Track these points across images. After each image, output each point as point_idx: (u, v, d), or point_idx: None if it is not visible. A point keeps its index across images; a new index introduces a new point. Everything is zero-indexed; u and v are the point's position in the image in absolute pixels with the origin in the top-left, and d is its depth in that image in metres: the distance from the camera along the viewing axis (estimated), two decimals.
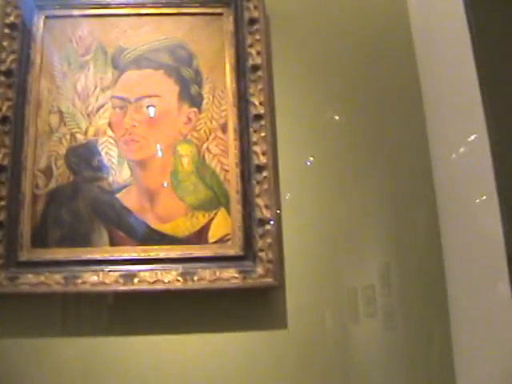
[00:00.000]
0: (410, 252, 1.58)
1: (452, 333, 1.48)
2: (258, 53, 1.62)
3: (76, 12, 1.68)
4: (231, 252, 1.53)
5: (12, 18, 1.64)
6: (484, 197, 1.39)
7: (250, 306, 1.53)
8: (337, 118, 1.65)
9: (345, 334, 1.56)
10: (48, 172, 1.57)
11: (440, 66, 1.62)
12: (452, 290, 1.50)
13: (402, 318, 1.55)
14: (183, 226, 1.53)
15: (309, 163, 1.59)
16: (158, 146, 1.57)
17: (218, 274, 1.49)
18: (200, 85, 1.62)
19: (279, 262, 1.51)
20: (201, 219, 1.53)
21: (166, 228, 1.54)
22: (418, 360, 1.49)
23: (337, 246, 1.58)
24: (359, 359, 1.53)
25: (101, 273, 1.50)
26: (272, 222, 1.49)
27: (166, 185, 1.53)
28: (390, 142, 1.64)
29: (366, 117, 1.65)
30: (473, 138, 1.43)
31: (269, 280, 1.49)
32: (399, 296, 1.55)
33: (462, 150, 1.48)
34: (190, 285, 1.48)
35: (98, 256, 1.52)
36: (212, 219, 1.54)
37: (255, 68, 1.62)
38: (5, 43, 1.62)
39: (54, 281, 1.49)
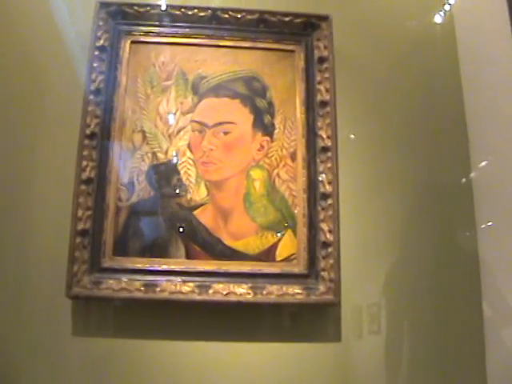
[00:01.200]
0: (450, 272, 1.75)
1: None
2: (327, 90, 1.78)
3: (160, 39, 1.82)
4: (296, 270, 1.69)
5: (102, 42, 1.77)
6: None
7: (310, 320, 1.69)
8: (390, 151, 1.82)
9: (391, 349, 1.71)
10: (130, 186, 1.71)
11: (488, 108, 1.80)
12: None
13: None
14: (254, 244, 1.69)
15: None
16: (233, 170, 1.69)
17: (284, 289, 1.64)
18: (272, 115, 1.78)
19: (338, 281, 1.65)
20: (270, 239, 1.70)
21: (237, 245, 1.69)
22: None
23: (389, 268, 1.74)
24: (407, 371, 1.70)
25: (178, 283, 1.62)
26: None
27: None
28: (437, 177, 1.82)
29: (419, 151, 1.84)
30: None
31: (329, 297, 1.65)
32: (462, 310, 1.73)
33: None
34: (259, 298, 1.63)
35: (175, 267, 1.66)
36: (280, 239, 1.70)
37: (323, 104, 1.77)
38: (95, 64, 1.75)
39: (134, 287, 1.62)
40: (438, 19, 1.99)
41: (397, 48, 1.94)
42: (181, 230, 1.67)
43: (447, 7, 1.98)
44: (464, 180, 1.84)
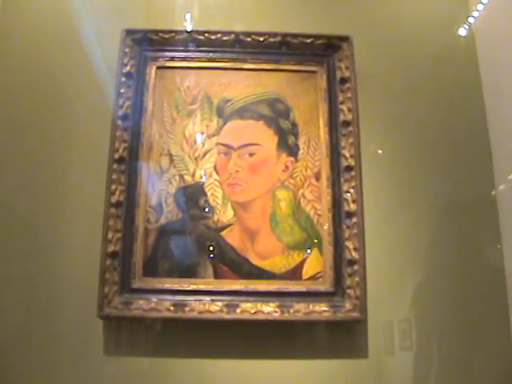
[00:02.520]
0: (476, 287, 1.77)
1: None
2: (349, 110, 1.80)
3: (184, 64, 1.87)
4: (322, 288, 1.71)
5: (128, 68, 1.82)
6: None
7: (337, 337, 1.71)
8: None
9: (419, 364, 1.72)
10: (159, 209, 1.75)
11: (511, 122, 1.82)
12: None
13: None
14: (280, 263, 1.72)
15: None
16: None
17: (311, 307, 1.67)
18: (296, 136, 1.81)
19: (364, 298, 1.67)
20: (296, 258, 1.72)
21: (264, 264, 1.72)
22: None
23: (415, 284, 1.77)
24: None
25: (206, 302, 1.65)
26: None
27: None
28: (462, 192, 1.84)
29: (442, 166, 1.87)
30: None
31: (356, 315, 1.67)
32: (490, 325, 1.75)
33: None
34: (286, 316, 1.66)
35: (203, 287, 1.69)
36: (306, 258, 1.73)
37: (346, 123, 1.80)
38: (122, 90, 1.79)
39: (164, 307, 1.66)
40: (458, 34, 2.00)
41: (417, 65, 1.96)
42: (209, 250, 1.67)
43: (467, 25, 1.98)
44: (488, 194, 1.84)
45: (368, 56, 1.91)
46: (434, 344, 1.73)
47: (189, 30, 1.86)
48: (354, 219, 1.71)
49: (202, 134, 1.79)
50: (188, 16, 1.91)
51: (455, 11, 2.04)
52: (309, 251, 1.72)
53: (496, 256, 1.79)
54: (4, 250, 1.73)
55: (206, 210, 1.70)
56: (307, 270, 1.71)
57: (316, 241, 1.73)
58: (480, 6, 1.97)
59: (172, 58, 1.86)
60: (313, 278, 1.71)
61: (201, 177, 1.75)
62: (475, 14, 1.99)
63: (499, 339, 1.74)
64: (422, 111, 1.90)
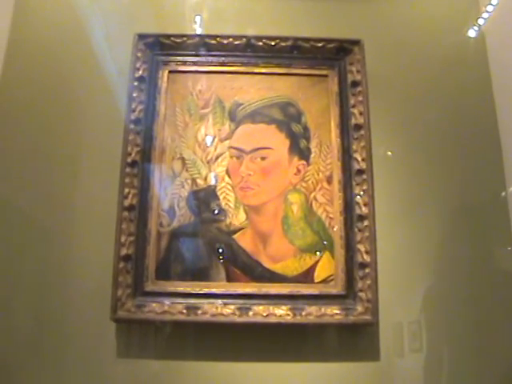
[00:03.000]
0: (487, 290, 1.77)
1: None
2: (361, 113, 1.81)
3: (197, 68, 1.88)
4: (334, 291, 1.72)
5: (140, 72, 1.83)
6: None
7: (348, 340, 1.71)
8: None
9: (431, 367, 1.73)
10: (171, 212, 1.76)
11: None
12: None
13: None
14: (292, 266, 1.73)
15: None
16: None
17: (323, 310, 1.67)
18: (308, 140, 1.82)
19: (376, 301, 1.68)
20: (308, 261, 1.73)
21: (277, 267, 1.72)
22: None
23: (426, 287, 1.77)
24: None
25: (219, 305, 1.66)
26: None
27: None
28: (473, 195, 1.85)
29: (454, 169, 1.88)
30: None
31: (367, 317, 1.67)
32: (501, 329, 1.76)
33: None
34: (298, 319, 1.66)
35: (215, 290, 1.70)
36: (318, 261, 1.74)
37: (358, 127, 1.81)
38: (134, 94, 1.81)
39: (177, 310, 1.67)
40: (468, 39, 2.00)
41: (428, 68, 1.97)
42: (222, 253, 1.67)
43: (477, 27, 1.98)
44: (499, 197, 1.84)
45: (379, 59, 1.92)
46: (445, 346, 1.74)
47: (201, 34, 1.86)
48: (366, 222, 1.71)
49: (215, 137, 1.79)
50: (200, 20, 1.90)
51: (465, 13, 2.05)
52: (320, 254, 1.68)
53: (507, 258, 1.78)
54: (18, 253, 1.75)
55: (216, 212, 1.69)
56: (319, 273, 1.72)
57: (328, 244, 1.71)
58: (490, 8, 1.97)
59: (184, 62, 1.87)
60: (325, 281, 1.72)
61: (213, 180, 1.74)
62: (485, 15, 1.99)
63: (510, 342, 1.72)
64: (433, 114, 1.91)
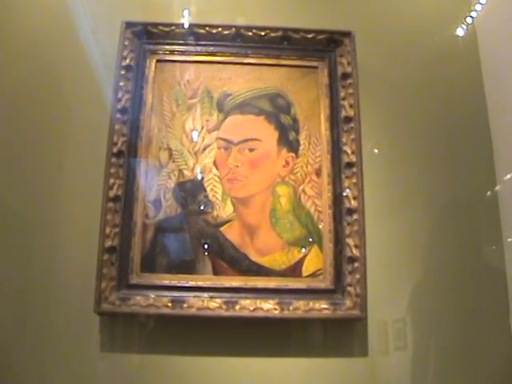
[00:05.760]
0: (476, 287, 1.75)
1: None
2: (351, 105, 1.79)
3: (185, 58, 1.84)
4: (322, 285, 1.69)
5: (127, 61, 1.80)
6: None
7: (337, 335, 1.69)
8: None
9: (418, 364, 1.71)
10: (157, 204, 1.72)
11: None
12: None
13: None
14: (280, 259, 1.70)
15: None
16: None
17: (311, 304, 1.65)
18: (297, 132, 1.79)
19: (365, 296, 1.65)
20: (296, 254, 1.71)
21: (264, 261, 1.70)
22: None
23: (415, 283, 1.75)
24: None
25: (205, 299, 1.63)
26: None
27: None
28: (463, 190, 1.83)
29: (444, 164, 1.86)
30: None
31: (356, 312, 1.65)
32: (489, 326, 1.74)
33: None
34: (286, 313, 1.64)
35: (202, 283, 1.67)
36: (306, 255, 1.71)
37: (348, 119, 1.78)
38: (121, 83, 1.77)
39: (162, 303, 1.63)
40: (460, 32, 1.98)
41: (420, 62, 1.95)
42: (208, 246, 1.64)
43: (469, 20, 1.97)
44: (489, 193, 1.83)
45: (370, 52, 1.89)
46: (434, 342, 1.72)
47: (189, 23, 1.82)
48: (355, 216, 1.69)
49: (202, 128, 1.76)
50: (189, 9, 1.87)
51: (458, 7, 2.04)
52: (308, 248, 1.66)
53: (497, 255, 1.76)
54: None
55: (202, 207, 1.65)
56: (307, 267, 1.69)
57: (316, 237, 1.67)
58: (482, 1, 1.94)
59: (172, 52, 1.84)
60: (313, 275, 1.69)
61: (200, 172, 1.71)
62: (478, 7, 1.97)
63: (499, 339, 1.73)
64: (424, 108, 1.88)
